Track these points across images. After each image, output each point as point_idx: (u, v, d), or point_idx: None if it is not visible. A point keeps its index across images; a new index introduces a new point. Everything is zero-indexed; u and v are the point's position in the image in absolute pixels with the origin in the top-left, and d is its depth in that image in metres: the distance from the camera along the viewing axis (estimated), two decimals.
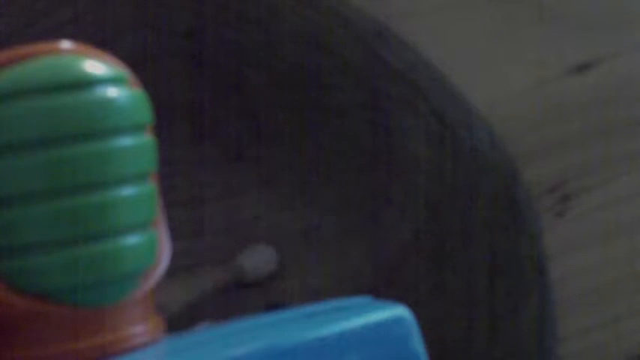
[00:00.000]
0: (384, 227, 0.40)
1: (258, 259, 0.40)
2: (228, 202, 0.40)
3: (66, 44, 0.28)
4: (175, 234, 0.39)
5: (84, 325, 0.28)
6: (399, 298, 0.40)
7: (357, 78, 0.39)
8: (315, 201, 0.40)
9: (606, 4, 0.42)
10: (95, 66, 0.28)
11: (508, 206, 0.39)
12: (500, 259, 0.39)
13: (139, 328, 0.29)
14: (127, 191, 0.28)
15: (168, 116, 0.40)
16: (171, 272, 0.39)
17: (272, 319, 0.30)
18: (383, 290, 0.40)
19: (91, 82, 0.28)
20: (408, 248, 0.40)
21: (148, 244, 0.29)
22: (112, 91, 0.28)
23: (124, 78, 0.29)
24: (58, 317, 0.27)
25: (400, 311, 0.29)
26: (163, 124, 0.39)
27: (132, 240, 0.28)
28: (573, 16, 0.41)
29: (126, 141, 0.28)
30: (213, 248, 0.40)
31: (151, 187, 0.29)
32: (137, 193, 0.28)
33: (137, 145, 0.28)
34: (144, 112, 0.29)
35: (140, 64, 0.39)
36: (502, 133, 0.41)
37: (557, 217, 0.41)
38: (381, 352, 0.29)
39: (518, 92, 0.41)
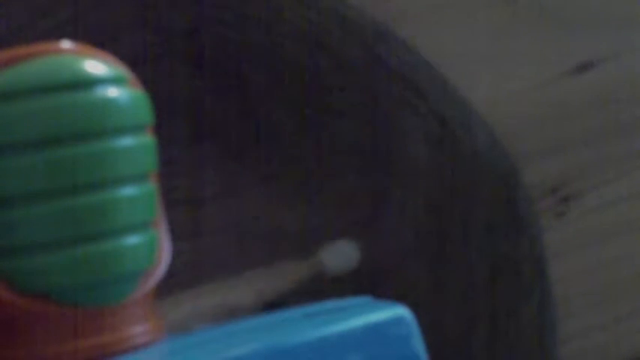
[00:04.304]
0: (384, 227, 0.40)
1: (339, 255, 0.39)
2: (228, 202, 0.40)
3: (66, 44, 0.28)
4: (175, 234, 0.39)
5: (84, 325, 0.28)
6: (399, 298, 0.40)
7: (357, 78, 0.39)
8: (315, 201, 0.40)
9: (607, 4, 0.42)
10: (95, 66, 0.28)
11: (508, 206, 0.39)
12: (500, 260, 0.39)
13: (139, 328, 0.29)
14: (127, 191, 0.28)
15: (169, 116, 0.40)
16: (172, 272, 0.39)
17: (272, 319, 0.30)
18: (383, 290, 0.40)
19: (91, 82, 0.28)
20: (408, 248, 0.40)
21: (148, 244, 0.29)
22: (112, 91, 0.28)
23: (124, 78, 0.29)
24: (59, 317, 0.27)
25: (400, 311, 0.29)
26: (163, 124, 0.39)
27: (132, 240, 0.28)
28: (573, 16, 0.41)
29: (126, 141, 0.28)
30: (213, 248, 0.40)
31: (151, 187, 0.29)
32: (137, 193, 0.28)
33: (137, 145, 0.28)
34: (144, 112, 0.29)
35: (140, 64, 0.39)
36: (502, 133, 0.41)
37: (557, 217, 0.41)
38: (381, 352, 0.29)
39: (518, 92, 0.41)
